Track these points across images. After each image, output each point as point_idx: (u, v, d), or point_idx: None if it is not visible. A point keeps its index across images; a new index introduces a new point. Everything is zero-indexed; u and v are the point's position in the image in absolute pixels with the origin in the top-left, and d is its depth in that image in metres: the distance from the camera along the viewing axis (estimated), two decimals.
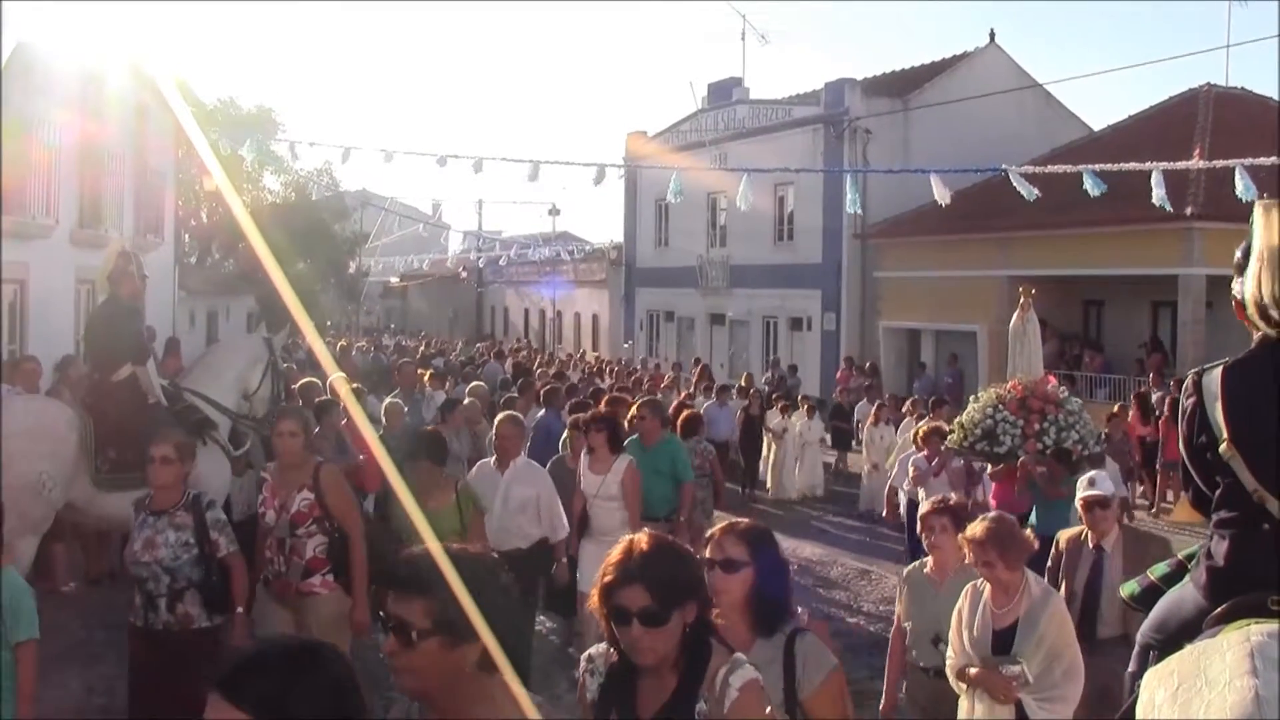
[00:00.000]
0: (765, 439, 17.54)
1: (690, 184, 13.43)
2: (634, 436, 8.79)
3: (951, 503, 5.63)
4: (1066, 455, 11.32)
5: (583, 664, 2.98)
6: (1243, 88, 26.47)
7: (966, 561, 4.99)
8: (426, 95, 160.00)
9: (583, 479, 8.04)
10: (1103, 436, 12.95)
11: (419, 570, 2.44)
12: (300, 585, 6.06)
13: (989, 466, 11.78)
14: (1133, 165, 11.28)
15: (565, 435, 9.93)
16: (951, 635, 4.95)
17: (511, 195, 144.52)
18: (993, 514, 4.95)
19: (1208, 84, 25.63)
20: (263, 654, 1.93)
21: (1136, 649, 2.85)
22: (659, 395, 17.56)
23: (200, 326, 27.67)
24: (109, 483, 7.63)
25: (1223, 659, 1.98)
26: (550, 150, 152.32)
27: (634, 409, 9.22)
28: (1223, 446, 2.53)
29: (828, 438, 18.69)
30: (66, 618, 8.34)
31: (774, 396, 19.31)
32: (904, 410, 16.38)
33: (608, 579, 2.80)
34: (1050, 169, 12.51)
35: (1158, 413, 16.11)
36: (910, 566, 5.77)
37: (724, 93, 33.58)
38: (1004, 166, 11.94)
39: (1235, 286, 2.66)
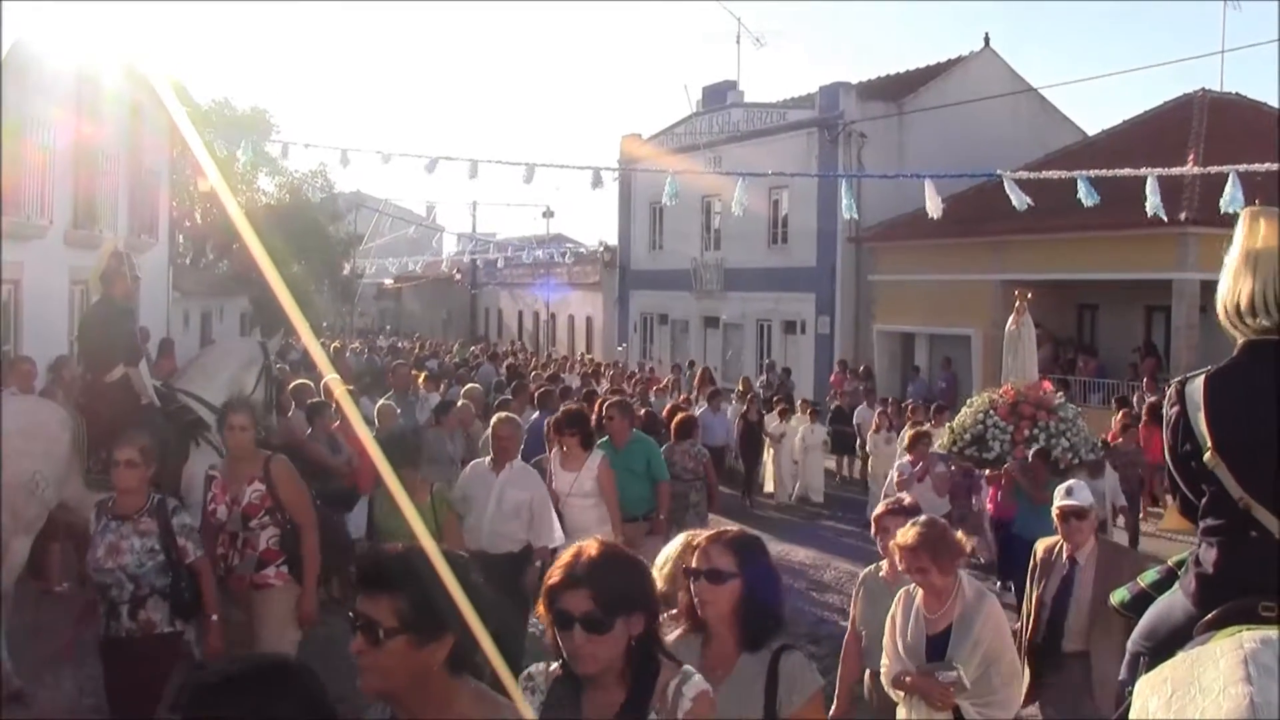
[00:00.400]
0: (765, 443, 17.48)
1: (684, 187, 13.42)
2: (605, 439, 8.77)
3: (906, 504, 5.51)
4: (1050, 457, 11.32)
5: (520, 682, 2.80)
6: (1238, 93, 26.59)
7: (900, 569, 4.83)
8: (420, 97, 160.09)
9: (554, 478, 7.92)
10: (1099, 445, 12.89)
11: (386, 568, 2.44)
12: (254, 578, 5.98)
13: (987, 473, 11.79)
14: (1127, 171, 11.31)
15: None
16: (885, 642, 4.83)
17: (506, 197, 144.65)
18: (923, 518, 4.78)
19: (1202, 89, 25.71)
20: (229, 676, 1.90)
21: (1127, 657, 2.85)
22: (653, 398, 17.63)
23: (194, 327, 27.60)
24: (101, 483, 7.58)
25: (1216, 666, 1.98)
26: (544, 153, 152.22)
27: (602, 409, 9.15)
28: (1207, 455, 2.54)
29: (829, 441, 18.66)
30: (59, 618, 8.31)
31: (773, 400, 19.27)
32: (906, 416, 16.35)
33: (552, 581, 2.73)
34: (1045, 174, 12.55)
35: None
36: (866, 570, 5.63)
37: (718, 96, 33.61)
38: (998, 171, 11.97)
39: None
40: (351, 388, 12.50)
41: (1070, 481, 6.09)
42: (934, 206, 11.64)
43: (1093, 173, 11.28)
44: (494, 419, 7.92)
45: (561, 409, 8.83)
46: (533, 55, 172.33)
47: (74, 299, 16.25)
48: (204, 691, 1.84)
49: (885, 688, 4.84)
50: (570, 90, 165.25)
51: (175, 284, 24.08)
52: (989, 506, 11.41)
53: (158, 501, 5.55)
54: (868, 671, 5.33)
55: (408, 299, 60.43)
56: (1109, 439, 13.61)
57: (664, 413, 13.25)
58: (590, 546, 2.78)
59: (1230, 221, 2.76)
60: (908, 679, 4.66)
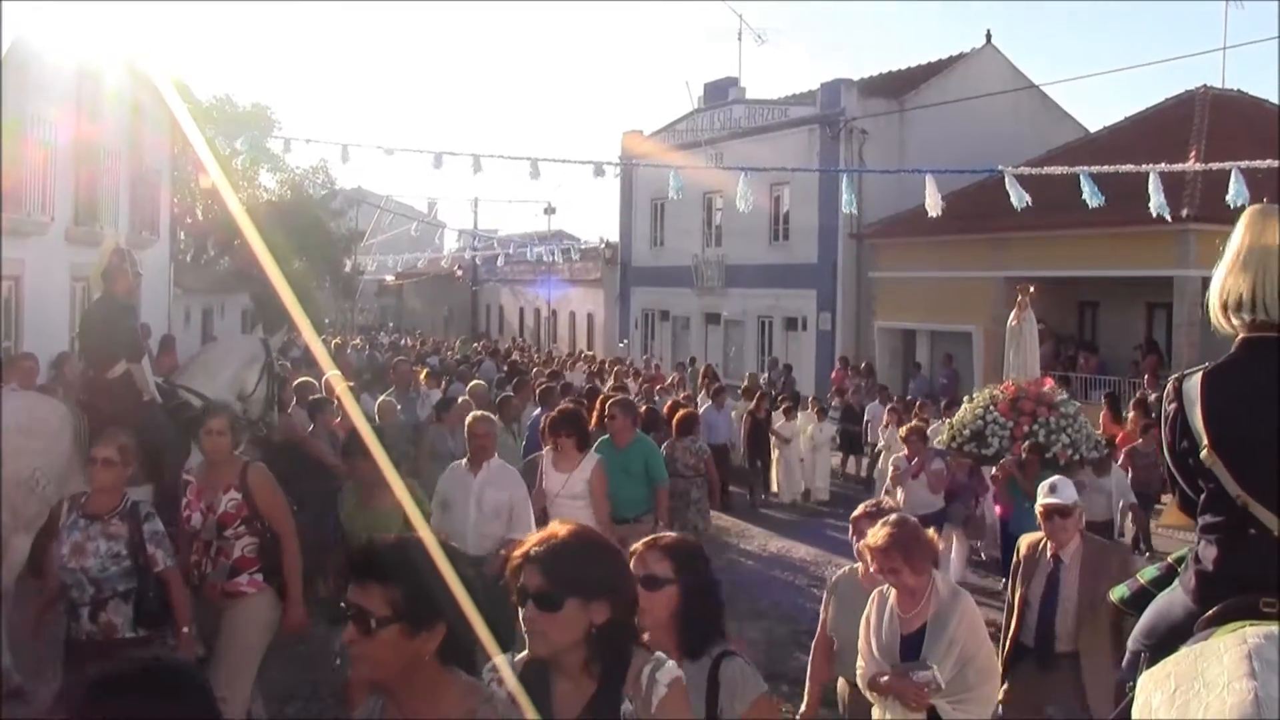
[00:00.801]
0: (771, 441, 17.30)
1: (686, 183, 13.45)
2: (605, 437, 8.72)
3: (883, 505, 5.38)
4: (1044, 451, 11.26)
5: (485, 674, 2.77)
6: (1239, 90, 26.51)
7: (872, 570, 4.74)
8: (421, 94, 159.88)
9: (545, 477, 7.78)
10: (1103, 442, 12.81)
11: (378, 558, 2.46)
12: (226, 585, 5.79)
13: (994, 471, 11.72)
14: (1129, 167, 11.31)
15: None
16: (860, 643, 4.75)
17: (507, 194, 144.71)
18: (893, 517, 4.68)
19: (1204, 86, 25.65)
20: (116, 677, 1.91)
21: (1127, 655, 2.86)
22: (657, 396, 17.59)
23: (195, 324, 27.64)
24: None
25: (1220, 661, 1.98)
26: (545, 149, 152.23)
27: (605, 408, 9.05)
28: (1204, 453, 2.54)
29: (836, 439, 18.58)
30: (58, 615, 8.30)
31: (778, 399, 19.13)
32: (915, 413, 16.28)
33: (514, 559, 2.72)
34: (1046, 171, 12.54)
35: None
36: (839, 573, 5.52)
37: (720, 92, 33.59)
38: (1000, 168, 11.98)
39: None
40: (352, 384, 12.52)
41: (1054, 478, 5.95)
42: (933, 204, 11.63)
43: (1094, 169, 11.28)
44: (469, 417, 7.68)
45: (557, 409, 8.73)
46: (535, 52, 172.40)
47: (75, 296, 16.28)
48: (93, 690, 1.85)
49: (861, 688, 4.78)
50: (572, 87, 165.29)
51: (176, 281, 24.13)
52: (997, 509, 11.33)
53: (131, 505, 5.39)
54: (840, 679, 5.25)
55: (409, 296, 60.44)
56: (1114, 439, 13.52)
57: (665, 409, 13.24)
58: (562, 528, 2.77)
59: (1234, 218, 2.75)
60: (882, 680, 4.60)
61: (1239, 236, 2.62)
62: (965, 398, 14.26)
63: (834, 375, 24.97)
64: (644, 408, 11.93)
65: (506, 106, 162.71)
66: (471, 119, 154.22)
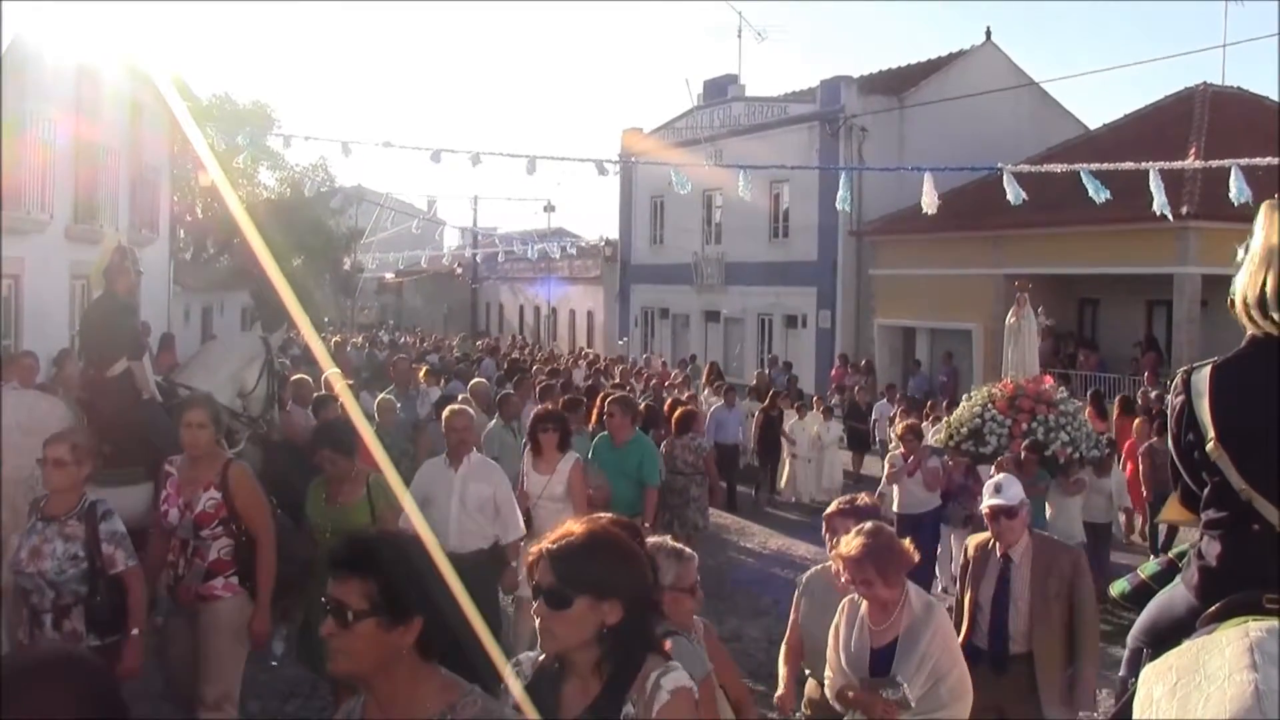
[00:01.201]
0: (782, 441, 17.09)
1: (687, 181, 13.44)
2: (604, 434, 8.66)
3: (859, 503, 5.13)
4: (1042, 449, 11.25)
5: (509, 668, 2.82)
6: (1239, 87, 26.55)
7: (843, 581, 4.50)
8: (421, 92, 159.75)
9: (526, 478, 7.61)
10: (1104, 441, 12.78)
11: (356, 552, 2.48)
12: (200, 588, 5.56)
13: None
14: (1129, 165, 11.28)
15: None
16: (829, 653, 4.57)
17: (506, 192, 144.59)
18: (868, 526, 4.43)
19: (1204, 83, 25.68)
20: (12, 671, 1.93)
21: (1127, 653, 2.84)
22: (663, 394, 17.53)
23: (195, 322, 27.62)
24: (103, 479, 7.58)
25: (1222, 654, 1.98)
26: (545, 147, 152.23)
27: (603, 405, 8.98)
28: (1210, 446, 2.52)
29: (844, 438, 18.49)
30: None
31: (785, 398, 18.98)
32: (925, 410, 16.20)
33: (530, 556, 2.74)
34: (1046, 168, 12.53)
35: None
36: (810, 571, 5.32)
37: (720, 90, 33.59)
38: (1000, 165, 11.96)
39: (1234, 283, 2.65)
40: (352, 382, 12.51)
41: (999, 477, 5.73)
42: (930, 202, 11.60)
43: (1094, 166, 11.24)
44: (446, 411, 7.49)
45: (540, 408, 8.53)
46: (534, 49, 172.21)
47: (74, 294, 16.28)
48: None
49: (830, 699, 4.62)
50: (572, 84, 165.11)
51: (176, 279, 24.11)
52: None
53: (88, 505, 5.18)
54: (810, 680, 5.09)
55: (409, 294, 60.43)
56: (1116, 439, 13.50)
57: (665, 407, 13.24)
58: (578, 525, 2.77)
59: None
60: (850, 694, 4.43)
61: (1261, 232, 2.60)
62: (964, 395, 14.25)
63: (834, 373, 24.98)
64: (644, 405, 11.93)
65: (506, 105, 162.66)
66: (471, 117, 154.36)
